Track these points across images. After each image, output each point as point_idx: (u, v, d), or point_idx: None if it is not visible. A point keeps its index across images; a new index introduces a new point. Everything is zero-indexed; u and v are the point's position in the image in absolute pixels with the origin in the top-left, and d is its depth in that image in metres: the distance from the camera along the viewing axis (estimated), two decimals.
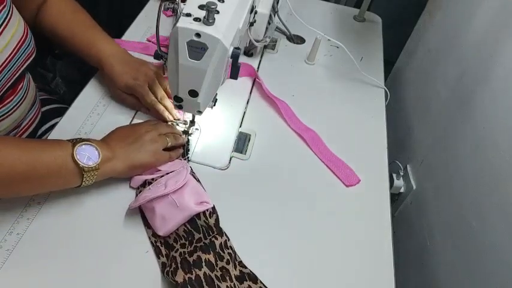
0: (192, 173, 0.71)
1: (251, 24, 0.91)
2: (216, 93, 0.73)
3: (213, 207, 0.66)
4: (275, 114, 0.89)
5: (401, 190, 1.09)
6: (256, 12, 0.89)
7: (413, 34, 1.29)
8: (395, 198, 1.10)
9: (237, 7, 0.65)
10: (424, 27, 1.23)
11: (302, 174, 0.78)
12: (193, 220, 0.64)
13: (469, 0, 1.00)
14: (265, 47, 1.03)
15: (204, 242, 0.62)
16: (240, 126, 0.85)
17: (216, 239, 0.62)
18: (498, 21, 0.85)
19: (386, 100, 0.99)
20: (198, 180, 0.71)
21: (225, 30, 0.60)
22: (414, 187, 1.05)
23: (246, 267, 0.63)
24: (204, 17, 0.58)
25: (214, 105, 0.76)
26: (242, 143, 0.82)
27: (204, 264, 0.59)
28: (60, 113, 0.83)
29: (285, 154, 0.82)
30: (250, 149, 0.81)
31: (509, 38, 0.80)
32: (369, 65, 1.04)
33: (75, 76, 1.26)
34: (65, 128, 0.78)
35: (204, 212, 0.64)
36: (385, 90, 1.00)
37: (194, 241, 0.63)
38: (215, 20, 0.59)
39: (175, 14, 0.62)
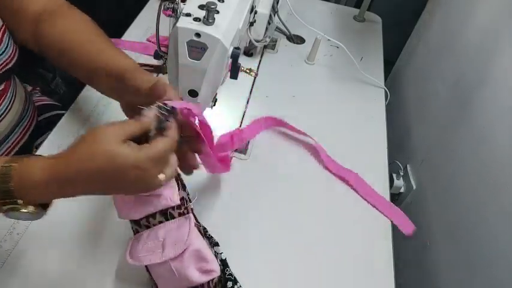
0: (197, 224, 0.56)
1: (251, 24, 0.90)
2: (216, 93, 0.73)
3: (220, 276, 0.55)
4: (275, 114, 0.89)
5: (401, 190, 1.09)
6: (256, 12, 0.89)
7: (413, 34, 1.29)
8: (396, 198, 1.10)
9: (237, 7, 0.65)
10: (424, 27, 1.23)
11: (302, 174, 0.78)
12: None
13: (469, 0, 1.00)
14: (265, 47, 1.03)
15: None
16: (240, 126, 0.85)
17: None
18: (498, 21, 0.85)
19: (386, 100, 0.99)
20: (204, 230, 0.60)
21: (225, 30, 0.60)
22: (414, 187, 1.05)
23: None
24: (204, 17, 0.58)
25: (214, 105, 0.76)
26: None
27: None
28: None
29: (285, 154, 0.82)
30: (250, 149, 0.81)
31: (509, 38, 0.80)
32: (369, 65, 1.04)
33: (75, 76, 1.26)
34: (65, 128, 0.78)
35: (208, 284, 0.53)
36: (385, 90, 1.00)
37: None
38: (215, 20, 0.59)
39: (175, 14, 0.62)
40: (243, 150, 0.80)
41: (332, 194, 0.76)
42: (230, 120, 0.85)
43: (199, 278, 0.52)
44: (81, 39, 0.65)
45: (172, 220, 0.53)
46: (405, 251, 1.03)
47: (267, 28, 0.95)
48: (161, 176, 0.48)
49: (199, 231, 0.55)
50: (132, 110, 0.59)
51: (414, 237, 1.01)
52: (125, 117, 0.60)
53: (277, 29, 1.08)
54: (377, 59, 1.09)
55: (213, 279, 0.53)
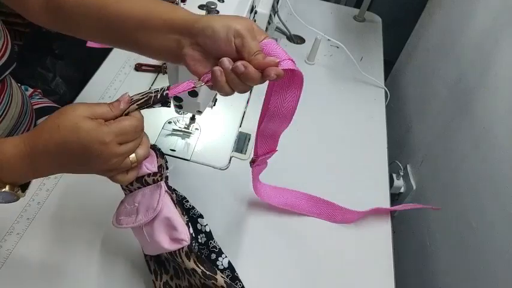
0: (171, 191, 0.56)
1: None
2: (216, 93, 0.73)
3: (190, 244, 0.53)
4: None
5: (401, 190, 1.09)
6: (256, 12, 0.89)
7: (413, 34, 1.29)
8: (396, 198, 1.10)
9: (237, 7, 0.65)
10: (424, 27, 1.23)
11: (302, 174, 0.78)
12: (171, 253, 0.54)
13: (469, 0, 1.00)
14: None
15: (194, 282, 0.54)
16: (240, 126, 0.85)
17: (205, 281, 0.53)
18: (498, 21, 0.85)
19: (386, 100, 0.99)
20: (180, 198, 0.59)
21: None
22: (414, 187, 1.05)
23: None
24: None
25: (214, 105, 0.76)
26: (242, 143, 0.81)
27: None
28: None
29: (285, 154, 0.81)
30: (250, 149, 0.81)
31: (508, 38, 0.80)
32: (369, 65, 1.04)
33: (75, 76, 1.26)
34: None
35: (179, 251, 0.53)
36: (385, 90, 1.00)
37: (180, 268, 0.55)
38: None
39: None
40: (243, 150, 0.80)
41: (332, 194, 0.76)
42: (230, 120, 0.85)
43: (169, 245, 0.52)
44: None
45: (148, 186, 0.54)
46: (405, 251, 1.03)
47: (267, 28, 0.95)
48: (132, 157, 0.48)
49: (172, 199, 0.55)
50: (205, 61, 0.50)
51: (414, 237, 1.01)
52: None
53: (277, 29, 1.08)
54: (377, 59, 1.09)
55: (183, 248, 0.53)
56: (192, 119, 0.79)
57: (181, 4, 0.61)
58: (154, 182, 0.54)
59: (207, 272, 0.52)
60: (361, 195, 0.77)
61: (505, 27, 0.82)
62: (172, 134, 0.79)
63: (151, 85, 0.89)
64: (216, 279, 0.52)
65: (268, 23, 0.95)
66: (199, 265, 0.52)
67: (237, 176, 0.76)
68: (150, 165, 0.53)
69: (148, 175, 0.53)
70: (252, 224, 0.69)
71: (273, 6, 0.95)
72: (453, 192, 0.88)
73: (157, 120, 0.82)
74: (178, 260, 0.53)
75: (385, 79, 1.07)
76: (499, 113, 0.78)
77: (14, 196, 0.49)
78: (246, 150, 0.80)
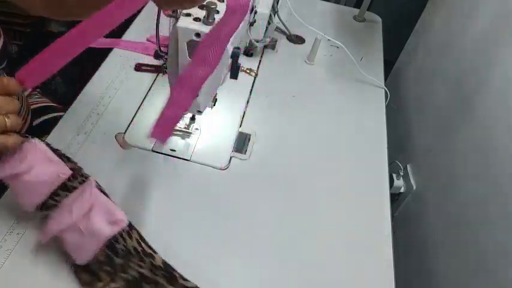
0: (99, 187, 0.58)
1: (251, 24, 0.90)
2: (216, 93, 0.73)
3: (130, 224, 0.55)
4: (275, 114, 0.89)
5: (401, 190, 1.09)
6: (256, 12, 0.89)
7: (413, 34, 1.29)
8: (396, 198, 1.10)
9: None
10: (424, 27, 1.23)
11: (302, 174, 0.78)
12: (110, 244, 0.55)
13: (469, 0, 1.00)
14: (265, 47, 1.03)
15: (131, 275, 0.55)
16: (240, 126, 0.85)
17: (143, 268, 0.55)
18: (498, 22, 0.85)
19: (386, 100, 0.99)
20: (106, 194, 0.59)
21: None
22: (414, 187, 1.05)
23: (188, 280, 0.55)
24: (204, 17, 0.58)
25: (214, 105, 0.76)
26: (242, 143, 0.81)
27: None
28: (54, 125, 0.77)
29: (285, 154, 0.82)
30: (250, 149, 0.81)
31: (509, 38, 0.80)
32: (369, 65, 1.04)
33: (75, 76, 1.26)
34: (64, 128, 0.78)
35: (121, 234, 0.54)
36: (385, 90, 1.00)
37: (116, 270, 0.55)
38: (215, 20, 0.59)
39: (175, 14, 0.62)
40: (243, 150, 0.80)
41: (332, 193, 0.76)
42: (230, 120, 0.85)
43: (111, 229, 0.53)
44: None
45: (75, 190, 0.56)
46: (405, 251, 1.03)
47: (267, 28, 0.95)
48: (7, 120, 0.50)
49: (102, 191, 0.57)
50: None
51: (414, 237, 1.01)
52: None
53: (277, 29, 1.08)
54: (377, 59, 1.09)
55: (124, 229, 0.54)
56: (192, 119, 0.79)
57: None
58: (80, 183, 0.56)
59: (147, 251, 0.55)
60: (361, 195, 0.77)
61: (505, 28, 0.82)
62: (172, 134, 0.79)
63: (151, 85, 0.89)
64: (154, 258, 0.54)
65: (268, 23, 0.95)
66: (141, 242, 0.55)
67: (237, 176, 0.76)
68: (63, 171, 0.55)
69: (70, 180, 0.55)
70: (251, 224, 0.69)
71: (273, 6, 0.95)
72: (453, 192, 0.88)
73: None
74: (120, 244, 0.54)
75: (385, 79, 1.07)
76: (499, 113, 0.78)
77: None
78: (246, 150, 0.80)
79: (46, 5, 0.60)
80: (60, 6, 0.59)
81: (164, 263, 0.55)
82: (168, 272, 0.55)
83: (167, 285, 0.54)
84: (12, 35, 1.13)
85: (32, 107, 0.86)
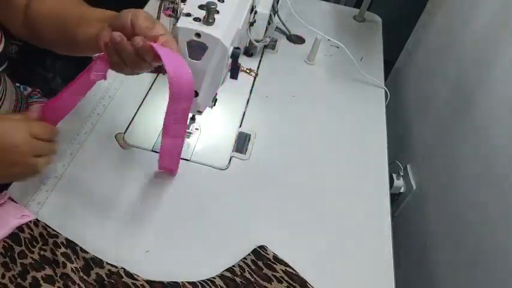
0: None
1: (251, 24, 0.90)
2: (216, 93, 0.73)
3: (37, 219, 0.63)
4: (275, 114, 0.89)
5: (402, 190, 1.09)
6: (256, 12, 0.89)
7: (413, 34, 1.29)
8: (396, 198, 1.10)
9: (237, 7, 0.65)
10: (424, 27, 1.23)
11: (302, 174, 0.78)
12: (14, 234, 0.61)
13: (469, 0, 1.00)
14: (265, 47, 1.03)
15: (33, 259, 0.59)
16: (240, 126, 0.85)
17: (45, 250, 0.60)
18: (498, 21, 0.85)
19: (386, 100, 0.99)
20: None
21: (225, 30, 0.60)
22: (414, 187, 1.05)
23: (87, 252, 0.60)
24: (204, 17, 0.58)
25: (214, 105, 0.76)
26: (242, 143, 0.81)
27: (42, 282, 0.57)
28: None
29: (285, 154, 0.82)
30: (250, 149, 0.81)
31: (509, 38, 0.80)
32: (369, 65, 1.04)
33: (75, 76, 1.26)
34: (65, 128, 0.78)
35: (27, 224, 0.61)
36: (385, 90, 1.00)
37: (17, 257, 0.59)
38: (215, 20, 0.59)
39: (175, 14, 0.62)
40: (243, 150, 0.80)
41: (332, 193, 0.76)
42: (230, 120, 0.85)
43: (17, 220, 0.61)
44: (70, 6, 0.67)
45: None
46: (405, 251, 1.03)
47: (267, 28, 0.95)
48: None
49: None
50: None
51: (414, 237, 1.01)
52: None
53: (277, 29, 1.08)
54: (377, 59, 1.09)
55: (30, 221, 0.62)
56: (192, 119, 0.79)
57: (181, 4, 0.61)
58: None
59: (52, 232, 0.62)
60: (361, 195, 0.77)
61: (505, 27, 0.82)
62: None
63: (151, 85, 0.89)
64: (57, 237, 0.61)
65: (268, 23, 0.95)
66: (47, 228, 0.62)
67: (237, 176, 0.76)
68: None
69: None
70: (252, 224, 0.69)
71: (273, 6, 0.95)
72: (453, 192, 0.88)
73: (157, 120, 0.82)
74: (26, 233, 0.61)
75: (385, 79, 1.07)
76: (499, 113, 0.78)
77: None
78: (246, 150, 0.80)
79: (24, 26, 0.69)
80: (32, 22, 0.68)
81: (67, 239, 0.61)
82: (70, 246, 0.60)
83: (72, 256, 0.60)
84: (12, 35, 1.13)
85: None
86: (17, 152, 0.55)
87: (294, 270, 0.62)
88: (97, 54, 0.57)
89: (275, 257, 0.63)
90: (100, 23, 0.60)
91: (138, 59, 0.54)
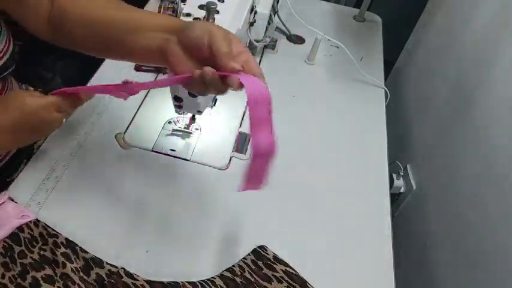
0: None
1: (251, 24, 0.91)
2: None
3: (37, 219, 0.63)
4: (275, 114, 0.89)
5: (402, 190, 1.09)
6: (256, 12, 0.90)
7: (413, 34, 1.29)
8: (396, 198, 1.10)
9: (237, 7, 0.65)
10: (424, 27, 1.23)
11: (302, 174, 0.78)
12: (14, 234, 0.61)
13: (469, 0, 1.00)
14: (265, 47, 1.03)
15: (33, 259, 0.59)
16: (240, 126, 0.85)
17: (45, 250, 0.60)
18: (498, 21, 0.85)
19: (386, 100, 0.99)
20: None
21: None
22: (414, 187, 1.05)
23: (87, 252, 0.61)
24: (204, 17, 0.58)
25: (214, 105, 0.76)
26: (242, 143, 0.81)
27: (42, 282, 0.57)
28: None
29: (285, 154, 0.81)
30: (250, 149, 0.80)
31: (509, 38, 0.80)
32: (369, 65, 1.04)
33: (75, 76, 1.26)
34: (65, 128, 0.78)
35: (27, 224, 0.62)
36: (385, 90, 1.00)
37: (17, 257, 0.59)
38: (215, 20, 0.59)
39: (175, 14, 0.62)
40: (243, 150, 0.80)
41: (332, 193, 0.76)
42: (230, 120, 0.85)
43: (18, 220, 0.62)
44: (109, 7, 0.61)
45: None
46: (405, 251, 1.03)
47: (267, 28, 0.95)
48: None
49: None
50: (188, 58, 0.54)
51: (414, 237, 1.01)
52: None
53: (277, 29, 1.08)
54: (377, 59, 1.09)
55: (31, 221, 0.62)
56: (192, 119, 0.79)
57: (182, 4, 0.61)
58: None
59: (52, 232, 0.62)
60: (361, 195, 0.77)
61: (505, 27, 0.82)
62: (172, 134, 0.79)
63: None
64: (57, 237, 0.61)
65: (268, 23, 0.95)
66: (47, 228, 0.62)
67: (237, 176, 0.75)
68: None
69: None
70: (252, 224, 0.69)
71: (273, 6, 0.95)
72: (453, 192, 0.88)
73: (157, 120, 0.82)
74: (26, 232, 0.61)
75: (385, 79, 1.07)
76: (499, 113, 0.78)
77: None
78: (246, 150, 0.80)
79: (48, 26, 0.64)
80: (62, 25, 0.63)
81: (67, 239, 0.61)
82: (70, 246, 0.61)
83: (72, 256, 0.60)
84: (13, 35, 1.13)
85: None
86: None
87: (294, 270, 0.62)
88: (134, 82, 0.54)
89: (275, 257, 0.63)
90: (159, 33, 0.55)
91: (223, 87, 0.53)
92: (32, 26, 0.65)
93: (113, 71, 0.90)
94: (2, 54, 0.66)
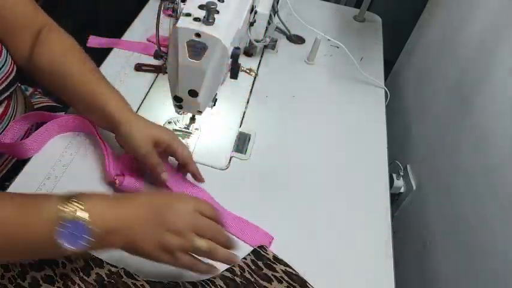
0: None
1: (251, 24, 0.91)
2: (216, 93, 0.73)
3: None
4: (275, 114, 0.89)
5: (401, 190, 1.09)
6: (256, 12, 0.89)
7: (413, 34, 1.29)
8: (395, 198, 1.10)
9: (237, 7, 0.65)
10: (424, 27, 1.23)
11: (302, 174, 0.78)
12: None
13: (469, 0, 1.00)
14: (265, 47, 1.03)
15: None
16: (240, 126, 0.85)
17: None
18: (498, 21, 0.85)
19: (386, 100, 0.99)
20: None
21: (225, 30, 0.60)
22: (414, 187, 1.05)
23: (88, 252, 0.56)
24: (204, 17, 0.58)
25: (214, 105, 0.76)
26: (242, 143, 0.81)
27: (42, 282, 0.56)
28: None
29: (285, 154, 0.82)
30: (250, 149, 0.81)
31: (509, 38, 0.80)
32: (369, 65, 1.04)
33: None
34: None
35: None
36: (385, 90, 1.00)
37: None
38: (215, 20, 0.59)
39: (175, 14, 0.62)
40: (243, 150, 0.80)
41: (332, 193, 0.76)
42: (230, 120, 0.85)
43: None
44: (70, 70, 0.68)
45: None
46: (405, 251, 1.03)
47: (267, 28, 0.95)
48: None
49: None
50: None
51: (414, 237, 1.01)
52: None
53: (277, 29, 1.08)
54: (377, 59, 1.09)
55: None
56: (192, 119, 0.79)
57: (181, 4, 0.61)
58: None
59: None
60: (361, 195, 0.77)
61: (505, 27, 0.82)
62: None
63: (151, 85, 0.89)
64: None
65: (268, 23, 0.95)
66: None
67: (237, 176, 0.76)
68: None
69: None
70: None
71: (273, 6, 0.95)
72: (453, 192, 0.88)
73: (157, 120, 0.82)
74: None
75: (385, 79, 1.07)
76: (500, 113, 0.78)
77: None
78: (246, 150, 0.80)
79: (27, 64, 0.71)
80: (34, 68, 0.71)
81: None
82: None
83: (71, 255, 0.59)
84: None
85: (36, 106, 0.87)
86: (178, 219, 0.52)
87: (294, 270, 0.62)
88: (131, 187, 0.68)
89: (275, 257, 0.63)
90: (105, 121, 0.67)
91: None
92: (15, 54, 0.70)
93: (113, 70, 0.90)
94: (7, 74, 0.68)
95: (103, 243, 0.50)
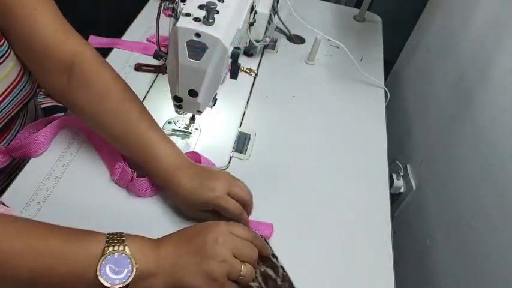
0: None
1: (251, 24, 0.91)
2: (216, 93, 0.73)
3: None
4: (275, 114, 0.89)
5: (401, 190, 1.09)
6: (256, 12, 0.89)
7: (413, 34, 1.29)
8: (395, 198, 1.10)
9: (237, 7, 0.65)
10: (424, 27, 1.23)
11: (302, 174, 0.78)
12: None
13: (469, 0, 1.00)
14: (265, 47, 1.03)
15: None
16: (240, 126, 0.85)
17: None
18: (498, 21, 0.85)
19: (386, 100, 0.99)
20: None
21: (225, 30, 0.60)
22: (414, 187, 1.05)
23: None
24: (204, 17, 0.58)
25: (214, 105, 0.76)
26: (242, 143, 0.81)
27: None
28: None
29: (285, 154, 0.82)
30: (250, 149, 0.81)
31: (508, 38, 0.80)
32: (369, 65, 1.04)
33: None
34: (64, 129, 0.78)
35: None
36: (385, 90, 1.00)
37: None
38: (215, 20, 0.59)
39: (175, 14, 0.62)
40: (243, 150, 0.80)
41: (332, 193, 0.76)
42: (230, 120, 0.85)
43: None
44: (117, 117, 0.66)
45: None
46: (405, 251, 1.03)
47: (267, 28, 0.95)
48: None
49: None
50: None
51: (414, 237, 1.01)
52: None
53: (277, 29, 1.08)
54: (377, 59, 1.09)
55: None
56: (192, 119, 0.79)
57: (181, 4, 0.61)
58: None
59: None
60: (361, 195, 0.77)
61: (505, 27, 0.82)
62: (172, 134, 0.79)
63: (151, 85, 0.89)
64: None
65: (268, 23, 0.95)
66: None
67: (237, 176, 0.76)
68: None
69: None
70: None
71: (273, 6, 0.95)
72: (453, 192, 0.88)
73: (157, 120, 0.82)
74: None
75: (385, 79, 1.07)
76: (499, 113, 0.78)
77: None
78: (246, 150, 0.80)
79: (63, 92, 0.68)
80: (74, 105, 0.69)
81: None
82: None
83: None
84: None
85: (43, 106, 0.88)
86: (217, 245, 0.52)
87: (284, 271, 0.63)
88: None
89: (273, 255, 0.63)
90: (163, 173, 0.65)
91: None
92: (47, 86, 0.69)
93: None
94: (25, 97, 0.69)
95: (143, 284, 0.50)
